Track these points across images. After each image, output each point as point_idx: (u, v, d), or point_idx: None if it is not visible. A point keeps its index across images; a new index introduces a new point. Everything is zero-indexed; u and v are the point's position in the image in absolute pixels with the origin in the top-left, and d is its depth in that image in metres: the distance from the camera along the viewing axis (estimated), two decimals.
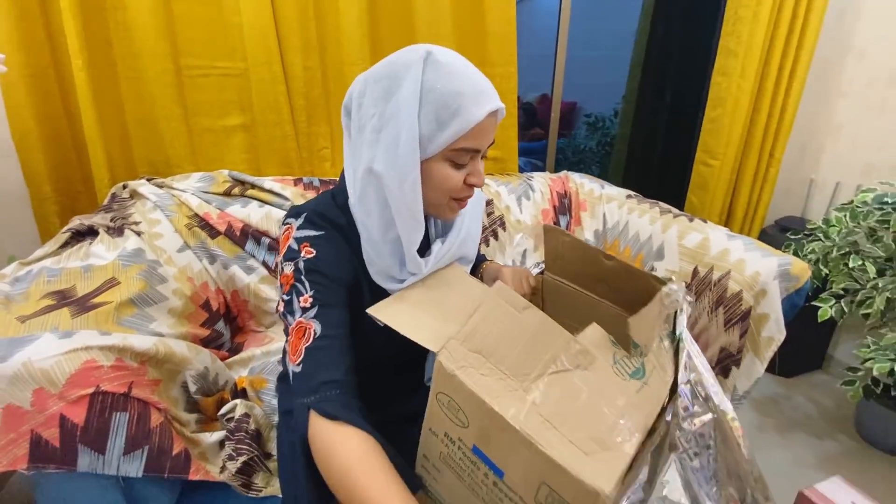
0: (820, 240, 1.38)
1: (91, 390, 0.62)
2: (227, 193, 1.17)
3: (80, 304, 0.73)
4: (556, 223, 1.43)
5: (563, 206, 1.46)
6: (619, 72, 2.33)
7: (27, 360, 0.58)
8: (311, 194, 1.23)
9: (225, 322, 1.10)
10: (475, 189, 0.66)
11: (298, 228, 0.62)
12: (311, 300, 0.58)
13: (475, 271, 0.84)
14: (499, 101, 0.60)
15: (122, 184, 1.13)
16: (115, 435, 0.64)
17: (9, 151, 1.14)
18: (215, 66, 1.24)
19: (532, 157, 2.98)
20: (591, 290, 0.68)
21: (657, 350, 0.55)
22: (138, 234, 0.96)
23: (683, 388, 0.52)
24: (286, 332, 0.60)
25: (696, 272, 1.03)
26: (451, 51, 0.60)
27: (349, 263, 0.64)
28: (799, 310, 0.97)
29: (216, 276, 1.10)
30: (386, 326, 0.56)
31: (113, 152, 1.23)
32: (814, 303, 1.26)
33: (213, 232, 1.11)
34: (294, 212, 0.64)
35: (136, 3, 1.13)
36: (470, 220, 0.72)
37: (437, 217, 0.69)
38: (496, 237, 1.36)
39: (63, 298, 0.73)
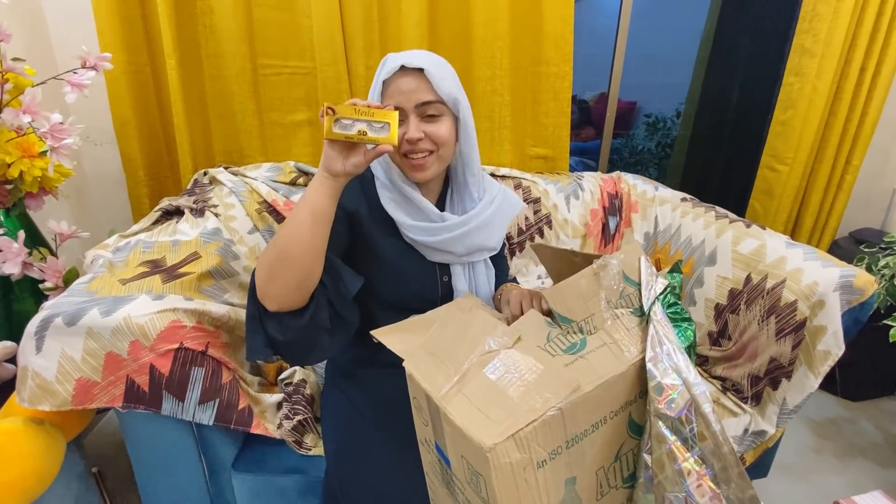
0: None
1: (176, 346, 0.72)
2: (293, 183, 1.27)
3: (169, 273, 0.84)
4: (606, 224, 1.43)
5: (614, 206, 1.45)
6: (683, 71, 2.25)
7: (127, 315, 0.69)
8: None
9: None
10: (506, 190, 0.81)
11: None
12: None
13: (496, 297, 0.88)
14: (399, 61, 0.71)
15: (202, 171, 1.26)
16: (193, 386, 0.73)
17: (110, 139, 1.30)
18: (287, 65, 1.35)
19: (586, 156, 2.93)
20: None
21: (615, 327, 0.55)
22: (216, 215, 1.07)
23: (649, 365, 0.52)
24: None
25: (748, 279, 1.00)
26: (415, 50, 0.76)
27: (357, 198, 0.78)
28: (863, 326, 0.92)
29: None
30: (381, 264, 0.76)
31: (196, 142, 1.36)
32: (885, 321, 1.18)
33: (278, 217, 1.21)
34: None
35: (221, 8, 1.26)
36: (493, 213, 0.83)
37: (410, 178, 0.78)
38: (542, 235, 1.38)
39: (155, 267, 0.85)
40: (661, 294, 0.58)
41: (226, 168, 1.27)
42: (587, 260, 0.61)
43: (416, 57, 0.73)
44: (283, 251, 0.63)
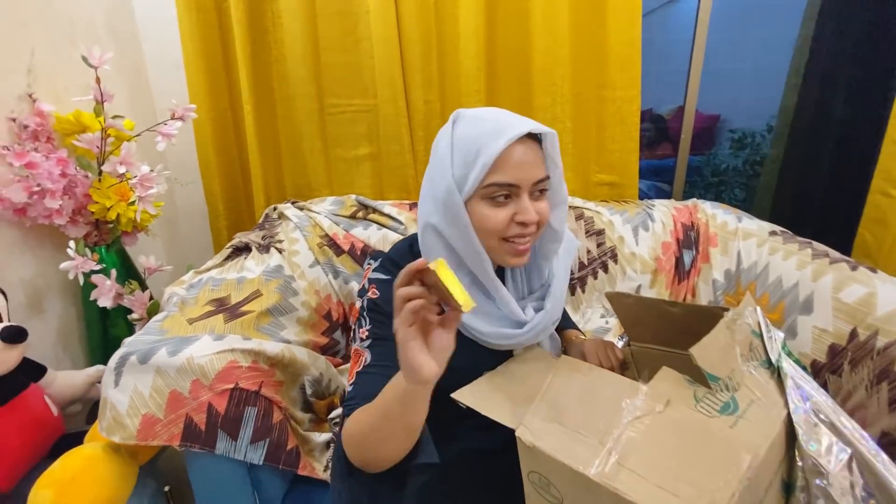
0: None
1: (232, 386, 0.75)
2: (353, 216, 1.32)
3: (232, 312, 0.89)
4: (679, 259, 1.31)
5: (689, 239, 1.33)
6: (773, 83, 2.04)
7: (190, 356, 0.73)
8: None
9: (342, 331, 1.23)
10: (554, 231, 0.67)
11: (374, 270, 0.68)
12: (367, 333, 0.64)
13: (559, 337, 0.81)
14: (523, 128, 0.59)
15: (273, 206, 1.35)
16: (246, 425, 0.76)
17: (196, 178, 1.43)
18: (351, 103, 1.41)
19: (661, 177, 2.74)
20: (678, 346, 0.62)
21: (753, 382, 0.50)
22: (280, 251, 1.13)
23: (798, 420, 0.46)
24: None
25: (854, 335, 0.85)
26: (486, 107, 0.66)
27: None
28: None
29: (338, 289, 1.24)
30: (465, 341, 0.62)
31: (269, 179, 1.47)
32: None
33: (338, 250, 1.25)
34: (376, 255, 0.72)
35: (293, 55, 1.35)
36: (562, 279, 0.72)
37: (500, 264, 0.66)
38: (605, 270, 1.29)
39: (220, 305, 0.90)
40: (782, 345, 0.54)
41: (293, 203, 1.35)
42: (694, 312, 0.57)
43: (528, 121, 0.61)
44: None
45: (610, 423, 0.48)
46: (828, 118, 1.84)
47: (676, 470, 0.43)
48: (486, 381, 0.63)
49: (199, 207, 1.51)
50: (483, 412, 0.55)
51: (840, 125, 1.80)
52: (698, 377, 0.50)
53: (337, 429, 0.89)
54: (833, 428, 0.45)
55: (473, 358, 0.66)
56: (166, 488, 1.05)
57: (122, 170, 0.97)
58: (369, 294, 0.66)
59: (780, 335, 0.53)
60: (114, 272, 1.01)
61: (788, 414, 0.47)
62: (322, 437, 0.87)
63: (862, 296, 0.88)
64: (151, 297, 1.11)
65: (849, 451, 0.45)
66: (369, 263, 0.70)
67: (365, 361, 0.61)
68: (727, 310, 0.52)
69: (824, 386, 0.89)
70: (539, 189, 0.63)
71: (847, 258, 1.00)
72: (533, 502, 0.54)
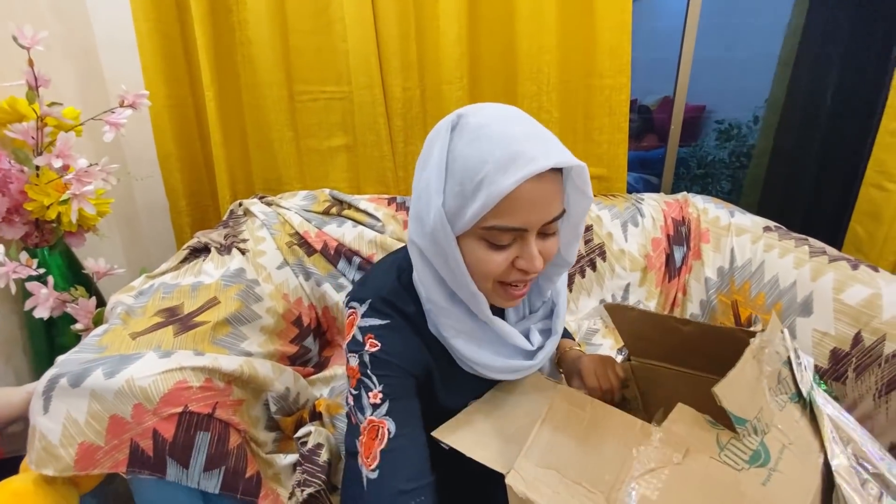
0: None
1: (180, 409, 0.67)
2: (326, 212, 1.23)
3: (184, 323, 0.80)
4: (670, 256, 1.25)
5: (680, 234, 1.27)
6: (761, 73, 2.00)
7: (130, 377, 0.65)
8: (402, 216, 1.23)
9: (314, 337, 1.14)
10: (565, 261, 0.58)
11: (363, 316, 0.58)
12: (380, 396, 0.54)
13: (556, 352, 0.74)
14: (544, 163, 0.47)
15: (238, 202, 1.25)
16: (198, 452, 0.68)
17: (154, 171, 1.32)
18: (323, 90, 1.31)
19: (647, 170, 2.69)
20: (687, 365, 0.56)
21: (784, 422, 0.43)
22: (243, 252, 1.04)
23: (840, 470, 0.39)
24: (354, 426, 0.57)
25: (858, 339, 0.80)
26: (496, 109, 0.52)
27: (419, 354, 0.59)
28: None
29: (310, 292, 1.15)
30: (462, 373, 0.56)
31: (235, 172, 1.36)
32: None
33: (309, 250, 1.16)
34: (359, 296, 0.60)
35: (259, 38, 1.24)
36: (563, 297, 0.64)
37: (492, 303, 0.57)
38: (594, 268, 1.23)
39: (171, 316, 0.81)
40: (814, 374, 0.47)
41: (261, 198, 1.25)
42: (710, 332, 0.49)
43: (558, 145, 0.50)
44: None
45: (618, 476, 0.41)
46: (817, 109, 1.80)
47: None
48: (469, 414, 0.56)
49: (159, 203, 1.40)
50: (467, 453, 0.48)
51: (830, 116, 1.77)
52: (720, 416, 0.43)
53: (304, 449, 0.81)
54: (881, 479, 0.39)
55: (469, 389, 0.61)
56: None
57: (58, 164, 0.86)
58: (368, 347, 0.56)
59: (811, 360, 0.46)
60: (51, 279, 0.91)
61: (826, 460, 0.40)
62: (287, 458, 0.79)
63: (866, 297, 0.83)
64: (103, 303, 1.01)
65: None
66: (353, 307, 0.59)
67: (389, 434, 0.53)
68: (753, 335, 0.44)
69: None
70: (549, 230, 0.52)
71: (846, 256, 0.95)
72: None
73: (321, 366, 1.13)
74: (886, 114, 1.32)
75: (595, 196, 1.35)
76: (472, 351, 0.57)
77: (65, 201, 0.87)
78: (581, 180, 0.53)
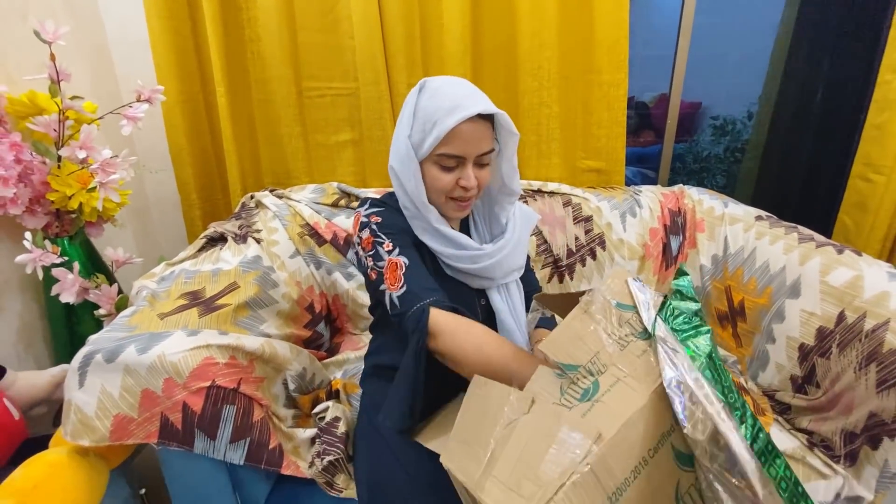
0: None
1: (208, 384, 0.71)
2: (335, 205, 1.27)
3: (207, 305, 0.84)
4: (667, 245, 1.30)
5: (676, 225, 1.32)
6: (754, 69, 2.05)
7: (161, 353, 0.69)
8: None
9: (325, 324, 1.19)
10: (521, 205, 0.84)
11: (365, 212, 0.75)
12: (391, 244, 0.71)
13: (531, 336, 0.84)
14: (474, 109, 0.67)
15: (250, 195, 1.28)
16: (225, 424, 0.72)
17: (166, 165, 1.36)
18: (331, 86, 1.35)
19: (645, 164, 2.75)
20: None
21: (625, 359, 0.49)
22: (258, 241, 1.08)
23: (672, 385, 0.45)
24: (379, 280, 0.70)
25: (842, 317, 0.85)
26: (448, 77, 0.75)
27: (413, 238, 0.76)
28: None
29: (321, 280, 1.19)
30: (449, 280, 0.77)
31: (245, 166, 1.40)
32: None
33: (320, 240, 1.20)
34: (360, 203, 0.78)
35: (268, 35, 1.28)
36: (520, 232, 0.83)
37: (447, 215, 0.77)
38: (594, 257, 1.28)
39: (194, 299, 0.85)
40: (660, 310, 0.52)
41: (272, 191, 1.29)
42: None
43: (486, 101, 0.70)
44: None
45: (490, 434, 0.48)
46: (808, 105, 1.85)
47: (526, 470, 0.44)
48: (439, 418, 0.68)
49: (171, 197, 1.43)
50: (430, 447, 0.60)
51: (821, 112, 1.82)
52: (564, 369, 0.50)
53: (322, 423, 0.85)
54: (693, 397, 0.43)
55: (457, 294, 0.78)
56: (142, 491, 1.00)
57: (82, 155, 0.90)
58: (373, 221, 0.73)
59: (658, 300, 0.51)
60: (76, 265, 0.94)
61: (663, 384, 0.45)
62: (306, 433, 0.83)
63: (849, 279, 0.88)
64: (120, 292, 1.05)
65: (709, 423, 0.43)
66: (357, 211, 0.77)
67: (405, 264, 0.69)
68: (584, 293, 0.52)
69: (813, 368, 0.90)
70: (483, 161, 0.73)
71: (832, 242, 1.00)
72: None
73: (332, 352, 1.18)
74: (872, 109, 1.38)
75: (594, 188, 1.40)
76: (436, 245, 0.76)
77: (92, 189, 0.90)
78: (506, 122, 0.71)
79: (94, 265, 1.09)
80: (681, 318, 0.52)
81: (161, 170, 1.33)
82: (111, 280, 1.05)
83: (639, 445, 0.45)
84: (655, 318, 0.50)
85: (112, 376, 0.68)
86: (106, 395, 0.68)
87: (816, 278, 0.93)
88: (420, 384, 0.65)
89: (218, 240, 1.07)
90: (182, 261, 0.98)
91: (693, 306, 0.56)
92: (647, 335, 0.50)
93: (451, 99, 0.69)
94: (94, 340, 0.72)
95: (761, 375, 1.01)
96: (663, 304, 0.53)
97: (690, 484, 0.47)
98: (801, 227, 1.10)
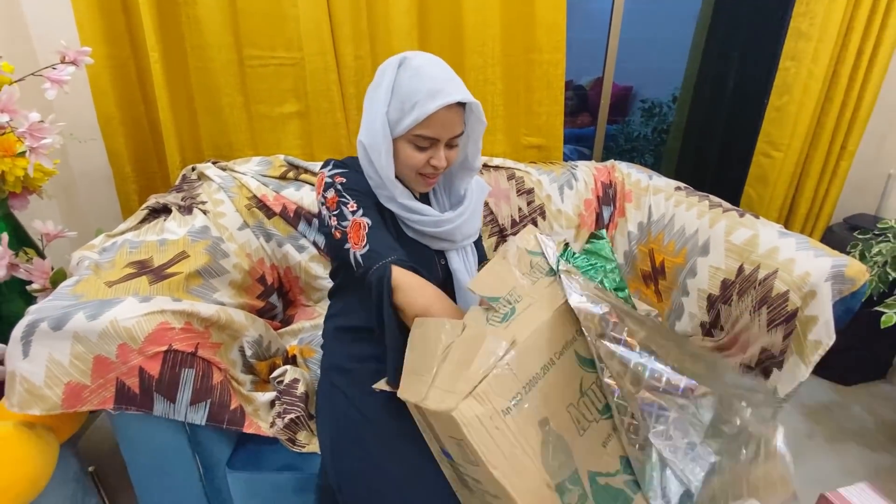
0: (890, 240, 1.28)
1: (164, 348, 0.71)
2: (283, 177, 1.26)
3: (157, 274, 0.83)
4: (599, 214, 1.42)
5: (608, 196, 1.44)
6: (679, 56, 2.22)
7: (113, 318, 0.68)
8: None
9: (278, 296, 1.19)
10: (476, 177, 0.89)
11: (329, 172, 0.79)
12: (356, 205, 0.75)
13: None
14: (455, 97, 0.71)
15: (191, 166, 1.24)
16: (184, 387, 0.73)
17: (95, 135, 1.27)
18: (274, 56, 1.32)
19: (582, 144, 2.91)
20: None
21: (535, 291, 0.62)
22: (205, 212, 1.06)
23: (578, 305, 0.59)
24: (343, 240, 0.73)
25: (741, 270, 1.00)
26: (428, 55, 0.77)
27: (375, 200, 0.80)
28: (855, 314, 0.93)
29: (271, 253, 1.19)
30: (410, 241, 0.82)
31: (183, 137, 1.34)
32: (878, 308, 1.18)
33: (269, 212, 1.20)
34: (323, 165, 0.81)
35: None
36: (476, 202, 0.90)
37: (413, 188, 0.83)
38: (535, 225, 1.37)
39: (142, 268, 0.84)
40: (561, 253, 0.66)
41: (214, 163, 1.26)
42: None
43: (464, 88, 0.75)
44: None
45: (433, 359, 0.58)
46: (723, 89, 2.05)
47: (458, 374, 0.54)
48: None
49: (101, 169, 1.35)
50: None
51: (732, 95, 2.02)
52: (487, 301, 0.61)
53: (281, 386, 0.88)
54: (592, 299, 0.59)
55: (418, 254, 0.83)
56: (91, 468, 0.98)
57: (4, 119, 0.84)
58: (337, 181, 0.77)
59: (555, 245, 0.65)
60: (5, 236, 0.89)
61: (566, 304, 0.59)
62: (265, 396, 0.85)
63: (748, 237, 1.02)
64: (53, 267, 1.00)
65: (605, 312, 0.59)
66: (321, 171, 0.80)
67: (368, 224, 0.73)
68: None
69: (718, 315, 1.04)
70: (453, 143, 0.78)
71: (737, 208, 1.15)
72: (429, 445, 0.64)
73: (287, 322, 1.19)
74: (773, 92, 1.56)
75: (535, 163, 1.48)
76: (400, 211, 0.80)
77: (22, 154, 0.85)
78: (478, 111, 0.77)
79: (20, 240, 1.02)
80: (580, 258, 0.71)
81: (90, 139, 1.25)
82: (42, 256, 0.99)
83: (546, 349, 0.58)
84: (558, 259, 0.64)
85: (60, 344, 0.67)
86: (55, 364, 0.67)
87: (722, 238, 1.07)
88: (397, 340, 0.68)
89: (161, 211, 1.04)
90: (123, 232, 0.95)
91: (609, 265, 0.73)
92: (552, 273, 0.64)
93: (433, 81, 0.72)
94: (36, 310, 0.70)
95: (678, 325, 1.15)
96: (564, 249, 0.68)
97: (592, 382, 0.62)
98: (711, 196, 1.25)
